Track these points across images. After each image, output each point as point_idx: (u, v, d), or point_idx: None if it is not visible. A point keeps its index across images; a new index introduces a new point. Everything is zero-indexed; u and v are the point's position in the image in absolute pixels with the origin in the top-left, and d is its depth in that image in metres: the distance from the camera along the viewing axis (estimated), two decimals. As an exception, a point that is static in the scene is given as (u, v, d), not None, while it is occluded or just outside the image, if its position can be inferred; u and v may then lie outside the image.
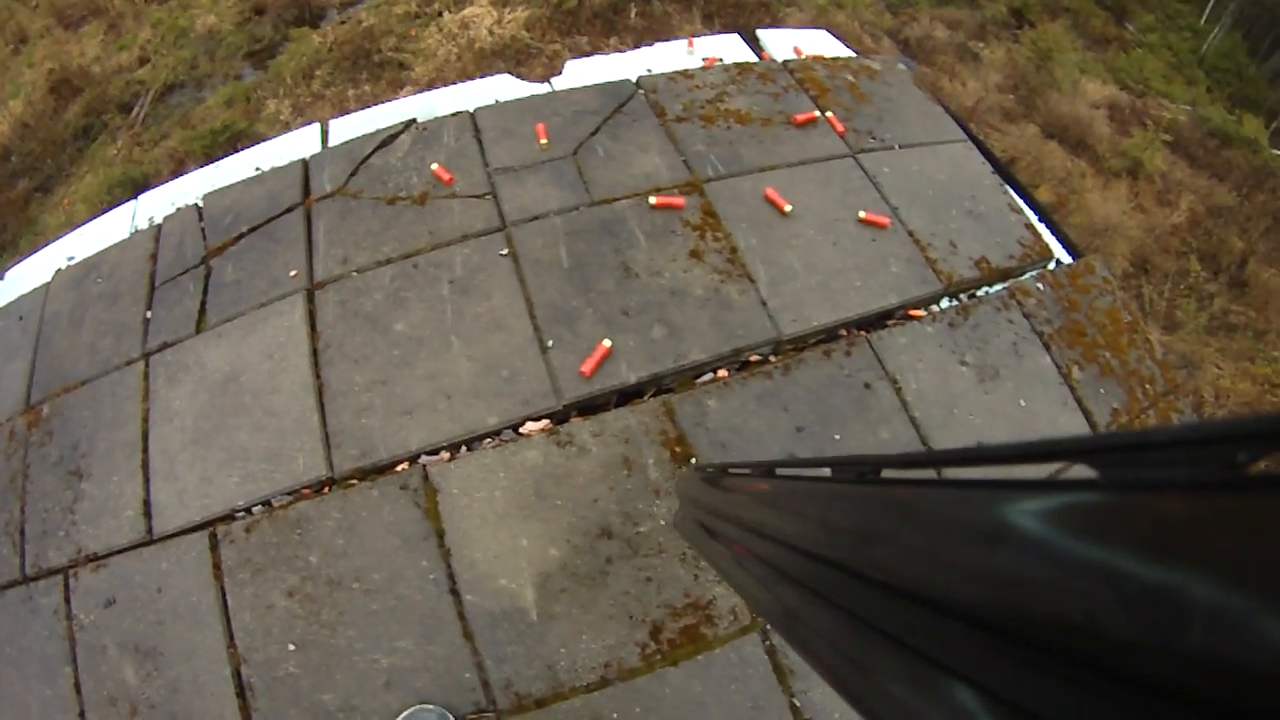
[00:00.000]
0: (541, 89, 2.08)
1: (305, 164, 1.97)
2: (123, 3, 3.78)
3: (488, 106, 1.98)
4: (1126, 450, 0.25)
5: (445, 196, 1.81)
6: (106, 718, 1.46)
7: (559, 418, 1.54)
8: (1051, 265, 2.09)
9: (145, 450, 1.69)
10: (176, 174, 2.89)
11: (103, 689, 1.47)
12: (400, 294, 1.67)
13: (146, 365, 1.80)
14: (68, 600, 1.57)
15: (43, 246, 2.42)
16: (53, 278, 2.15)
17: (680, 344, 1.59)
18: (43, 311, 2.08)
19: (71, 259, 2.21)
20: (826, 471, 0.56)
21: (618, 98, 1.99)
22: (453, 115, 1.95)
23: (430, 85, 2.68)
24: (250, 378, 1.68)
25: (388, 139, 1.94)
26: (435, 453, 1.52)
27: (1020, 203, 2.19)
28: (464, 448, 1.52)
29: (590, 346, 1.57)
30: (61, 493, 1.71)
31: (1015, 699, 0.25)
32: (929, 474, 0.40)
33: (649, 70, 2.11)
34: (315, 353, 1.66)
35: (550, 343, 1.58)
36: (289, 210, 1.89)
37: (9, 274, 2.40)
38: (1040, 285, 1.99)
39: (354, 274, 1.72)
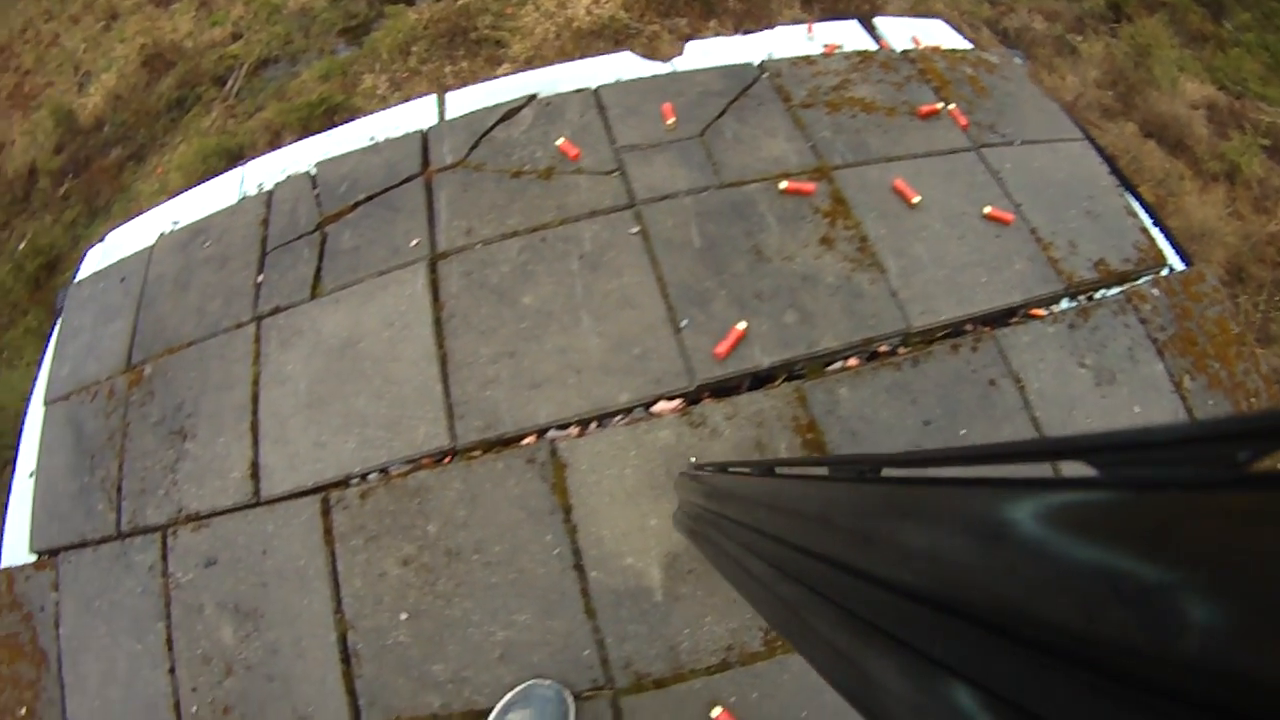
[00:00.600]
0: (664, 68, 2.05)
1: (424, 135, 1.97)
2: (214, -22, 3.86)
3: (611, 84, 1.96)
4: (1127, 449, 0.24)
5: (572, 172, 1.80)
6: (199, 675, 1.47)
7: (691, 398, 1.53)
8: (1165, 271, 2.02)
9: (255, 413, 1.70)
10: (273, 145, 2.95)
11: (196, 647, 1.49)
12: (528, 267, 1.66)
13: (258, 328, 1.81)
14: (165, 558, 1.58)
15: (138, 213, 2.45)
16: (156, 241, 2.16)
17: (813, 330, 1.56)
18: (146, 273, 2.09)
19: (176, 223, 2.23)
20: (825, 471, 0.56)
21: (742, 81, 1.96)
22: (575, 92, 1.94)
23: (528, 64, 2.68)
24: (369, 345, 1.69)
25: (509, 113, 1.93)
26: (564, 428, 1.51)
27: (1135, 205, 2.12)
28: (594, 424, 1.51)
29: (723, 328, 1.55)
30: (163, 452, 1.72)
31: (1015, 698, 0.25)
32: (929, 472, 0.40)
33: (770, 55, 2.07)
34: (438, 322, 1.66)
35: (684, 322, 1.56)
36: (408, 180, 1.89)
37: (109, 237, 2.44)
38: (1155, 291, 1.92)
39: (479, 246, 1.72)
